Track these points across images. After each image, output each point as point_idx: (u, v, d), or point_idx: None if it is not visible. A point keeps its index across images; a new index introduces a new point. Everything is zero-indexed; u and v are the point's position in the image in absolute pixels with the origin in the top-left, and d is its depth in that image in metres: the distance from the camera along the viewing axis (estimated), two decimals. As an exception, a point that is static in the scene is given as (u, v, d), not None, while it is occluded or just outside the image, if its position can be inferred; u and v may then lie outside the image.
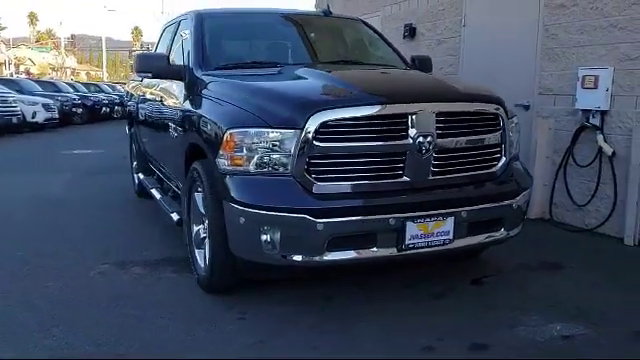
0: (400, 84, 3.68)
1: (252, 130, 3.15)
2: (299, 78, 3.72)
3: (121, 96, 27.16)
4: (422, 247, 3.22)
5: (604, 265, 4.36)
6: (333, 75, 3.69)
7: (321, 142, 3.06)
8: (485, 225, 3.44)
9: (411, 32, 7.36)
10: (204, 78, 3.98)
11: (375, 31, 5.17)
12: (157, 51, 5.92)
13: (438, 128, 3.22)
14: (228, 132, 3.21)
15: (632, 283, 3.97)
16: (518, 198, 3.55)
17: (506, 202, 3.47)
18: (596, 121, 5.04)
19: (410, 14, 7.51)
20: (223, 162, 3.26)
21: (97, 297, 3.71)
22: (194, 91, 4.01)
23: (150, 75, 4.35)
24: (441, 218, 3.23)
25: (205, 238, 3.83)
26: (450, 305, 3.56)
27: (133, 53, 78.06)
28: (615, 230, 4.98)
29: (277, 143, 3.10)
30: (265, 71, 4.09)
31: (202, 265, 3.80)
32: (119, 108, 25.40)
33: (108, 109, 24.27)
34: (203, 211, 3.79)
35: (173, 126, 4.27)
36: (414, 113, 3.16)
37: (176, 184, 4.78)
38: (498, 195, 3.46)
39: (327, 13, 5.10)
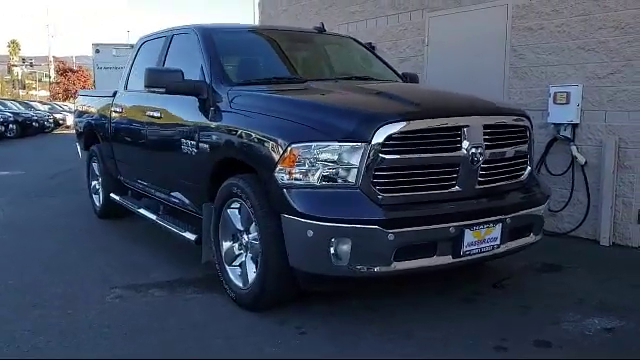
0: (448, 98, 3.86)
1: (316, 144, 3.18)
2: (341, 93, 3.79)
3: (16, 114, 25.52)
4: (476, 253, 3.39)
5: (595, 264, 4.77)
6: (381, 90, 3.80)
7: (386, 155, 3.15)
8: (521, 230, 3.67)
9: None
10: (232, 94, 3.93)
11: (367, 48, 5.34)
12: (134, 66, 5.75)
13: (485, 140, 3.43)
14: (291, 147, 3.22)
15: (629, 277, 4.38)
16: (545, 205, 3.83)
17: (537, 208, 3.74)
18: (567, 133, 5.52)
19: (368, 33, 7.76)
20: (282, 176, 3.26)
21: (134, 322, 3.53)
22: (221, 107, 3.94)
23: (163, 90, 4.20)
24: (491, 225, 3.42)
25: (240, 255, 3.80)
26: (487, 307, 3.76)
27: (25, 65, 73.03)
28: (589, 233, 5.46)
29: (343, 156, 3.16)
30: (295, 86, 4.12)
31: (239, 283, 3.75)
32: (14, 126, 23.77)
33: (3, 127, 22.52)
34: (240, 227, 3.75)
35: (191, 142, 4.16)
36: (466, 126, 3.34)
37: (180, 202, 4.63)
38: (531, 202, 3.72)
39: (321, 30, 5.20)
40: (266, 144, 3.40)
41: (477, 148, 3.37)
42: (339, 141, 3.16)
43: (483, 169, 3.46)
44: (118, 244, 5.45)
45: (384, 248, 3.11)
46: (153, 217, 4.99)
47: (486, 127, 3.45)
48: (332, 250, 3.11)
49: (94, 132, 6.48)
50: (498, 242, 3.48)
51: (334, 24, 8.39)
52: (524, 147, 3.76)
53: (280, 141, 3.29)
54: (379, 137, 3.12)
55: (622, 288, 4.17)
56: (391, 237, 3.08)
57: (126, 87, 5.75)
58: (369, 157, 3.12)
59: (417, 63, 7.07)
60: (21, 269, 4.64)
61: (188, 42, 4.69)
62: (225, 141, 3.80)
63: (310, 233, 3.13)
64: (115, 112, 5.74)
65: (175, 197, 4.69)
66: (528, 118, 3.81)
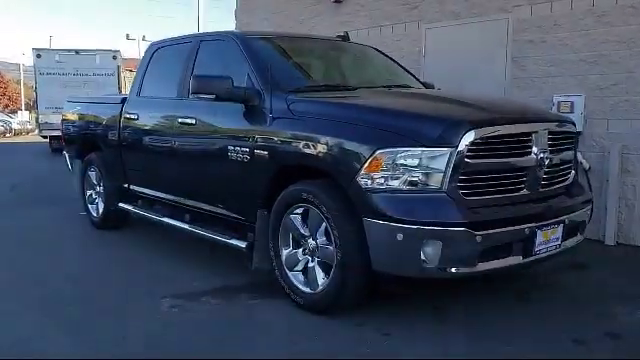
0: (514, 106, 4.06)
1: (403, 149, 3.27)
2: (408, 99, 3.92)
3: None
4: (543, 253, 3.58)
5: (612, 261, 5.13)
6: (449, 97, 3.95)
7: (470, 159, 3.28)
8: (573, 230, 3.89)
9: (363, 60, 7.77)
10: (291, 101, 3.94)
11: (389, 58, 5.48)
12: (147, 72, 5.62)
13: (549, 145, 3.64)
14: (377, 152, 3.29)
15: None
16: (590, 206, 4.09)
17: (586, 209, 3.99)
18: (571, 141, 5.86)
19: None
20: (366, 181, 3.32)
21: (211, 332, 3.50)
22: (279, 114, 3.92)
23: (213, 97, 4.17)
24: (556, 225, 3.62)
25: (303, 260, 3.82)
26: (542, 305, 3.94)
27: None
28: (593, 233, 5.79)
29: (429, 161, 3.26)
30: (352, 93, 4.20)
31: (305, 288, 3.78)
32: None
33: None
34: (305, 232, 3.78)
35: (241, 150, 4.12)
36: (536, 132, 3.54)
37: (222, 209, 4.56)
38: (582, 203, 3.96)
39: (346, 38, 5.30)
40: (347, 150, 3.44)
41: (544, 153, 3.56)
42: (426, 146, 3.26)
43: (545, 173, 3.66)
44: (132, 254, 5.32)
45: (471, 249, 3.23)
46: (184, 226, 4.88)
47: (550, 133, 3.66)
48: (422, 252, 3.20)
49: (94, 140, 6.27)
50: (559, 242, 3.68)
51: (321, 34, 8.50)
52: (572, 152, 4.01)
53: (365, 147, 3.35)
54: (465, 142, 3.24)
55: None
56: (479, 239, 3.21)
57: (139, 94, 5.61)
58: (455, 162, 3.24)
59: (414, 73, 7.27)
60: (44, 282, 4.46)
61: (224, 49, 4.68)
62: (290, 148, 3.80)
63: (400, 236, 3.20)
64: (128, 119, 5.58)
65: (214, 204, 4.62)
66: (575, 125, 4.06)
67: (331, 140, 3.55)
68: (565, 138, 3.92)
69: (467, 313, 3.77)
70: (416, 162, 3.27)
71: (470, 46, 6.68)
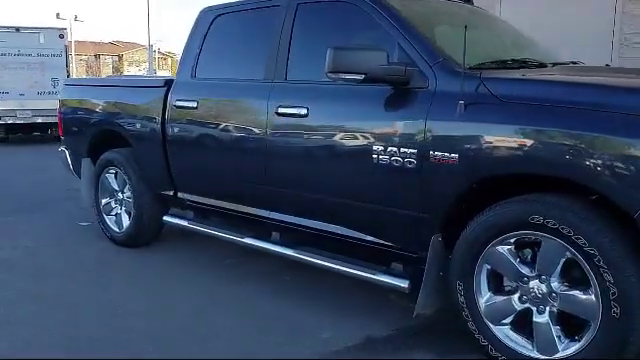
0: None
1: None
2: None
3: None
4: None
5: None
6: None
7: None
8: None
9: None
10: (491, 80, 2.80)
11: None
12: (204, 48, 4.27)
13: None
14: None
15: None
16: None
17: None
18: None
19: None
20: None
21: None
22: (474, 99, 2.77)
23: (362, 77, 2.94)
24: None
25: (517, 311, 2.71)
26: None
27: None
28: None
29: None
30: (552, 71, 3.19)
31: (532, 354, 2.67)
32: None
33: None
34: (524, 270, 2.67)
35: (402, 152, 2.94)
36: None
37: (352, 230, 3.34)
38: None
39: (469, 1, 4.19)
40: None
41: None
42: None
43: None
44: (203, 285, 4.01)
45: None
46: (288, 252, 3.63)
47: None
48: None
49: (117, 134, 4.86)
50: None
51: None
52: None
53: None
54: None
55: None
56: None
57: (194, 75, 4.26)
58: None
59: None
60: (118, 344, 3.14)
61: (342, 13, 3.48)
62: (511, 149, 2.63)
63: None
64: (180, 107, 4.23)
65: (340, 224, 3.39)
66: None
67: (606, 139, 2.40)
68: None
69: None
70: None
71: (561, 20, 5.72)
